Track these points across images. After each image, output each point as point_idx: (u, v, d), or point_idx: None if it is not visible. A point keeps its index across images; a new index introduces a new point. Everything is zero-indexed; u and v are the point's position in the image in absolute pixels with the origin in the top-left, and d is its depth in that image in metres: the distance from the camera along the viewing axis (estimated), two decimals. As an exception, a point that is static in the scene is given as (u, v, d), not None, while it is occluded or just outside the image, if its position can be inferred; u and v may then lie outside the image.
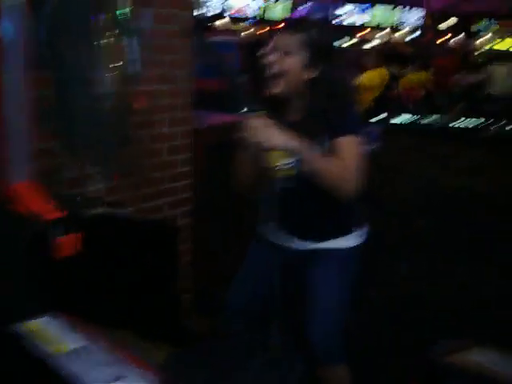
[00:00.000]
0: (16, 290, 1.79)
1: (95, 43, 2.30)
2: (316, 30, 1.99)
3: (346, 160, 1.94)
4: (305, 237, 2.14)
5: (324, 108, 1.97)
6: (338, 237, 2.14)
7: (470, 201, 6.15)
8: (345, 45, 16.09)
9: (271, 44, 1.98)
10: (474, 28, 16.47)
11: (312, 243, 2.14)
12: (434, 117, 11.36)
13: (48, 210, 1.92)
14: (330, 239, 2.13)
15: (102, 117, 2.41)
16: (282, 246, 2.16)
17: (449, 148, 9.10)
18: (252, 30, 15.61)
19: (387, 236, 4.78)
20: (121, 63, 2.41)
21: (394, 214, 5.43)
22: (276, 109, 2.03)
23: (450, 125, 11.01)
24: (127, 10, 2.42)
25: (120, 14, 2.38)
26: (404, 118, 11.35)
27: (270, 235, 2.20)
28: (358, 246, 2.18)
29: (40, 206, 1.93)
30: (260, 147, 1.89)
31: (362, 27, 16.59)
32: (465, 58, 13.49)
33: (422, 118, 11.25)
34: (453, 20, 15.68)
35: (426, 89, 11.13)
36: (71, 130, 2.32)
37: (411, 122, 11.30)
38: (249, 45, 12.31)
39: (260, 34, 15.04)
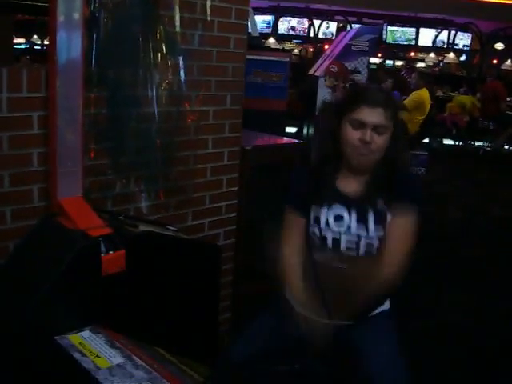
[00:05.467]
0: (60, 303, 1.82)
1: (144, 63, 2.35)
2: (392, 98, 1.94)
3: (397, 251, 1.88)
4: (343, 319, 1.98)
5: (389, 183, 1.91)
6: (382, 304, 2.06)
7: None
8: (398, 63, 16.09)
9: (359, 119, 1.87)
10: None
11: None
12: (479, 143, 11.18)
13: (95, 226, 1.96)
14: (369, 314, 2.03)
15: (149, 136, 2.45)
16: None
17: (495, 175, 8.93)
18: (299, 49, 15.66)
19: (430, 265, 4.72)
20: (168, 83, 2.46)
21: (438, 243, 5.33)
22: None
23: (497, 151, 10.81)
24: (176, 31, 2.48)
25: (169, 36, 2.43)
26: (447, 144, 11.22)
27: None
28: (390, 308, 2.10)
29: (87, 222, 1.97)
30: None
31: (409, 49, 16.51)
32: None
33: (466, 144, 11.09)
34: (501, 44, 15.40)
35: (471, 115, 10.95)
36: (119, 148, 2.36)
37: (456, 147, 11.15)
38: (297, 64, 12.36)
39: (308, 53, 15.09)
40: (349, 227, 1.92)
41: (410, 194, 1.93)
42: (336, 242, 1.94)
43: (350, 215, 1.93)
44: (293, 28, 15.58)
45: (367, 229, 1.91)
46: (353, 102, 1.90)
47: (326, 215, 1.95)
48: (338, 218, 1.94)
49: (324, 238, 1.96)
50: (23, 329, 1.74)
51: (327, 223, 1.94)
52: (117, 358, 1.63)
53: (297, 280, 1.93)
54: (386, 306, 2.08)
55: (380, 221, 1.90)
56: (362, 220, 1.91)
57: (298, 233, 2.00)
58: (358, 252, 1.92)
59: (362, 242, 1.91)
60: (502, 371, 3.18)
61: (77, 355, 1.61)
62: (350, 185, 1.96)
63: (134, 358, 1.65)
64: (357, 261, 1.89)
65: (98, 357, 1.62)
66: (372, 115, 1.85)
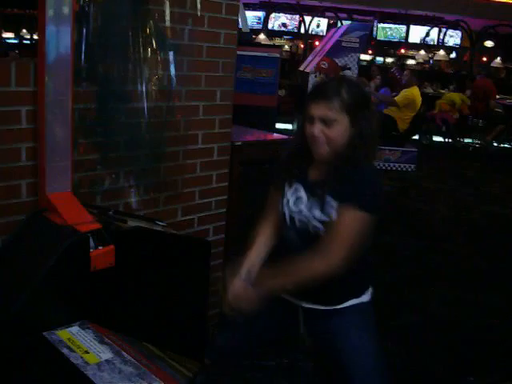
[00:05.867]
0: (49, 299, 1.82)
1: (134, 58, 2.35)
2: (349, 89, 1.93)
3: (334, 244, 1.90)
4: (318, 302, 2.08)
5: (350, 173, 1.93)
6: (353, 298, 2.09)
7: (504, 228, 6.02)
8: (388, 60, 16.14)
9: (309, 114, 1.94)
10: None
11: (326, 306, 2.08)
12: (468, 140, 11.25)
13: (84, 221, 1.95)
14: (345, 302, 2.07)
15: (139, 131, 2.45)
16: (296, 304, 2.11)
17: (484, 172, 8.98)
18: (289, 45, 15.67)
19: (420, 261, 4.74)
20: (158, 78, 2.45)
21: (427, 239, 5.36)
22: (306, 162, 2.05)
23: (487, 148, 10.88)
24: (166, 26, 2.47)
25: (159, 31, 2.42)
26: (437, 140, 11.28)
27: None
28: (371, 300, 2.14)
29: (76, 217, 1.96)
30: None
31: (400, 46, 16.57)
32: (504, 79, 13.33)
33: (455, 141, 11.14)
34: (491, 42, 15.47)
35: (461, 112, 11.01)
36: (109, 143, 2.36)
37: (445, 144, 11.19)
38: (288, 60, 12.37)
39: (299, 49, 15.11)
40: (302, 209, 2.01)
41: (358, 191, 1.93)
42: (292, 220, 2.04)
43: (305, 198, 2.02)
44: (284, 24, 15.58)
45: (314, 213, 1.98)
46: (307, 102, 1.99)
47: (290, 195, 2.06)
48: (298, 200, 2.04)
49: (284, 215, 2.06)
50: (12, 324, 1.73)
51: (289, 202, 2.05)
52: (106, 354, 1.63)
53: (253, 252, 2.08)
54: (365, 298, 2.12)
55: (325, 207, 1.95)
56: (311, 204, 1.99)
57: (274, 208, 2.12)
58: (309, 232, 1.99)
59: (310, 224, 1.98)
60: (491, 365, 3.20)
61: (65, 351, 1.61)
62: (315, 172, 2.04)
63: (123, 353, 1.65)
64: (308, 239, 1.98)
65: (86, 352, 1.61)
66: (316, 108, 1.92)
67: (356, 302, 2.08)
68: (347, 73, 7.96)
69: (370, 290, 2.15)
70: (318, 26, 15.30)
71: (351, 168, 1.93)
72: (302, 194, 2.03)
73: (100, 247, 1.90)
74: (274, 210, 2.12)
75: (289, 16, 15.52)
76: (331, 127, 1.91)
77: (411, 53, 16.56)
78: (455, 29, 15.96)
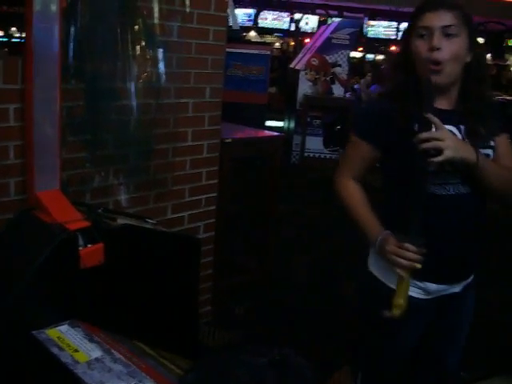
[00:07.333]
0: (38, 298, 1.81)
1: (123, 55, 2.34)
2: (460, 5, 1.69)
3: None
4: (462, 275, 1.98)
5: (481, 101, 1.75)
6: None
7: (504, 226, 6.01)
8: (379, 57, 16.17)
9: (423, 26, 1.67)
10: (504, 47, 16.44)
11: (464, 280, 1.99)
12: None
13: (73, 219, 1.94)
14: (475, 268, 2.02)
15: (128, 128, 2.44)
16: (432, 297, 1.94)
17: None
18: (280, 43, 15.67)
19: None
20: (147, 75, 2.45)
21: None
22: (423, 97, 1.64)
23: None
24: (155, 23, 2.46)
25: (148, 27, 2.41)
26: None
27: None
28: None
29: (65, 215, 1.95)
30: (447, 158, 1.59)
31: (390, 43, 16.62)
32: (496, 76, 13.36)
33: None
34: (481, 39, 15.54)
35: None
36: (97, 140, 2.35)
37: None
38: (278, 57, 12.37)
39: (289, 46, 15.12)
40: (463, 139, 1.72)
41: (502, 116, 1.85)
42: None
43: (459, 130, 1.74)
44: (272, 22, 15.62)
45: (483, 139, 1.76)
46: (416, 13, 1.72)
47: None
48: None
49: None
50: (0, 323, 1.72)
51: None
52: (95, 352, 1.62)
53: (364, 207, 1.84)
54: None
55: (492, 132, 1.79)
56: (474, 132, 1.74)
57: (360, 163, 1.88)
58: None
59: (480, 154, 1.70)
60: (483, 360, 3.21)
61: (55, 349, 1.60)
62: (442, 102, 1.74)
63: (113, 351, 1.64)
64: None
65: (76, 351, 1.61)
66: (436, 18, 1.66)
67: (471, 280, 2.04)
68: (337, 70, 7.97)
69: None
70: (306, 23, 15.31)
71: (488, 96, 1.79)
72: (450, 127, 1.70)
73: (89, 245, 1.89)
74: (360, 165, 1.87)
75: (279, 13, 15.54)
76: (452, 39, 1.65)
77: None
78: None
